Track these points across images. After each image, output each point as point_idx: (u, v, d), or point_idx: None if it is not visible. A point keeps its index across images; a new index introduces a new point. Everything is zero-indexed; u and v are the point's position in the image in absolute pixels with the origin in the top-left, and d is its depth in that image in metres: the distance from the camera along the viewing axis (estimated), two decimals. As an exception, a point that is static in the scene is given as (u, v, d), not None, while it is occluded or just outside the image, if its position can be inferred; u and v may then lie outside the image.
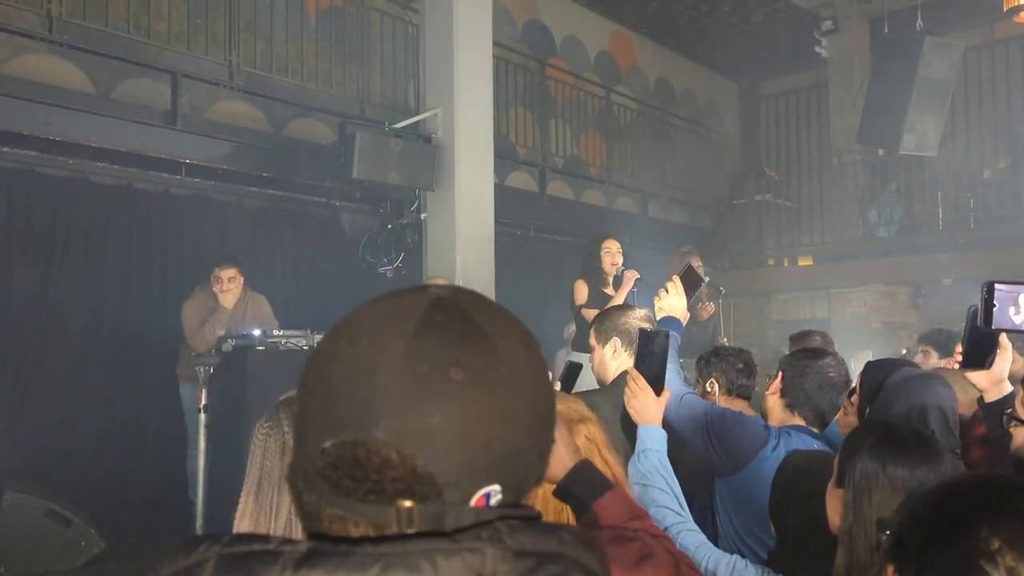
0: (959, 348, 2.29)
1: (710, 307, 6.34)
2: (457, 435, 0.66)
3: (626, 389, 2.14)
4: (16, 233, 5.42)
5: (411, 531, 0.64)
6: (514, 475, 0.70)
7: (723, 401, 2.95)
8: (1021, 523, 0.93)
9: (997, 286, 1.73)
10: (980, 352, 2.16)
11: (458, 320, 0.70)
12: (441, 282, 0.68)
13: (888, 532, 1.08)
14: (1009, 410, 2.10)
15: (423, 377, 0.66)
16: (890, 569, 1.02)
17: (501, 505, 0.69)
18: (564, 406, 1.59)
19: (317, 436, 0.67)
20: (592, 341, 3.03)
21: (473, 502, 0.67)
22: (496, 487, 0.68)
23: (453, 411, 0.66)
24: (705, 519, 2.48)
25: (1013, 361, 2.37)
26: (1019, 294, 1.78)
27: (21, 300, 5.43)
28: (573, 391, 3.27)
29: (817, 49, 10.26)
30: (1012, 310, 1.73)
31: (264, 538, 0.65)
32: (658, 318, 2.69)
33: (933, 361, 4.28)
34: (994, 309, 1.73)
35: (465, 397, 0.66)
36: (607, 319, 3.04)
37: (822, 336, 4.12)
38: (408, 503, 0.65)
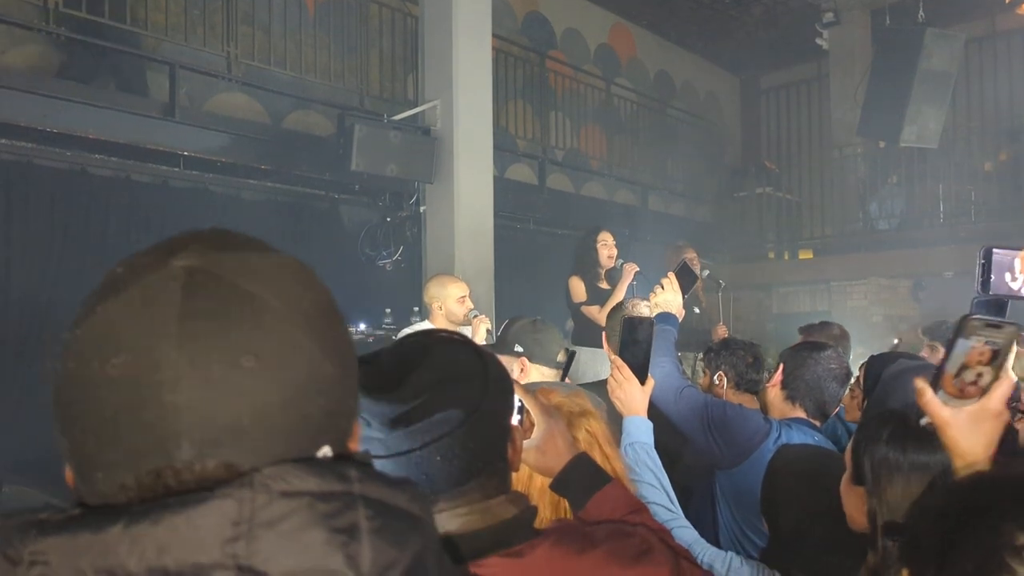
0: None
1: (723, 329, 6.29)
2: (272, 422, 0.60)
3: (610, 379, 2.07)
4: (14, 225, 5.40)
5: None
6: (338, 429, 0.65)
7: (731, 395, 2.92)
8: None
9: (995, 251, 1.70)
10: None
11: (227, 296, 0.61)
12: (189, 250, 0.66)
13: (897, 538, 1.05)
14: (1015, 404, 2.08)
15: (215, 380, 0.58)
16: (905, 573, 0.99)
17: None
18: (566, 399, 1.57)
19: (108, 475, 0.59)
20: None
21: None
22: (326, 449, 0.63)
23: (262, 402, 0.59)
24: (706, 512, 2.48)
25: None
26: (1015, 258, 1.75)
27: (19, 292, 5.42)
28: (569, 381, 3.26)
29: (818, 41, 10.23)
30: (1008, 276, 1.70)
31: (44, 510, 0.58)
32: (653, 314, 2.67)
33: (941, 356, 4.14)
34: (991, 276, 1.70)
35: (266, 382, 0.60)
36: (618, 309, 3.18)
37: (840, 329, 4.00)
38: None
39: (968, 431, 1.24)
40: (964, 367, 1.24)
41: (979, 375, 1.25)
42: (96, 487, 0.60)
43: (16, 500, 4.52)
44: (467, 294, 4.46)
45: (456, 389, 0.99)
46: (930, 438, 1.54)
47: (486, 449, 1.01)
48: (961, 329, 1.23)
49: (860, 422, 1.73)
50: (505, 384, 1.07)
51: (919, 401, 1.25)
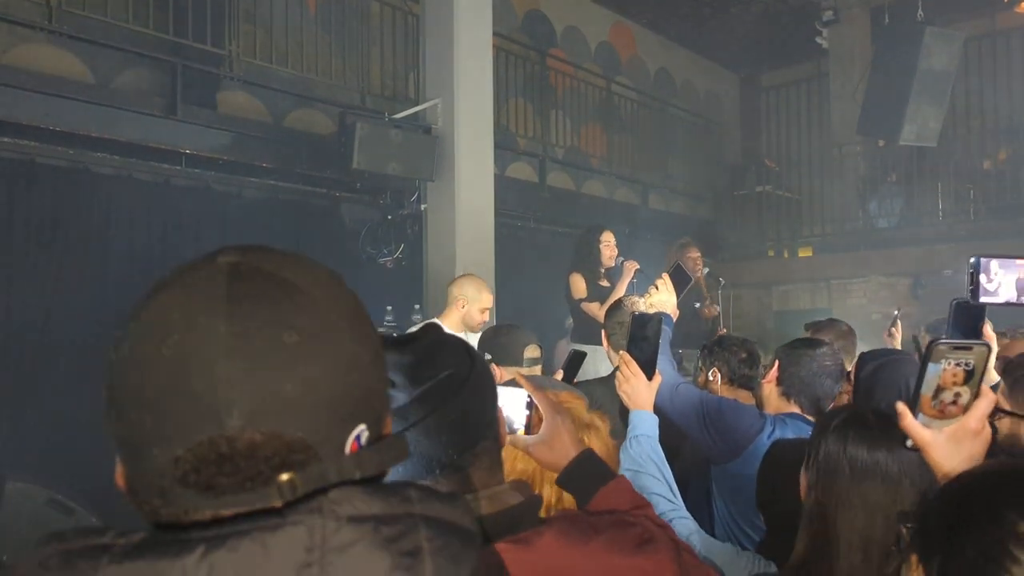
0: None
1: (715, 308, 6.30)
2: (314, 394, 0.65)
3: (618, 374, 2.12)
4: (16, 224, 5.42)
5: (278, 504, 0.63)
6: (372, 410, 0.71)
7: (725, 391, 2.95)
8: None
9: (982, 259, 1.74)
10: None
11: (266, 282, 0.68)
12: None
13: (909, 524, 1.07)
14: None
15: (258, 352, 0.64)
16: (914, 559, 1.01)
17: (369, 441, 0.70)
18: (582, 410, 1.59)
19: (164, 449, 0.63)
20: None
21: (348, 449, 0.68)
22: (362, 426, 0.69)
23: (301, 374, 0.65)
24: (701, 506, 2.50)
25: (1013, 347, 2.38)
26: (991, 262, 1.79)
27: (21, 290, 5.43)
28: (574, 381, 3.28)
29: (818, 40, 10.25)
30: (983, 278, 1.74)
31: (103, 532, 0.63)
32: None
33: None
34: (980, 283, 1.74)
35: (308, 356, 0.66)
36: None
37: (847, 326, 3.99)
38: (287, 475, 0.63)
39: (950, 451, 1.25)
40: (940, 389, 1.26)
41: (957, 395, 1.27)
42: (150, 463, 0.64)
43: (20, 497, 4.54)
44: (490, 307, 4.46)
45: (451, 354, 1.11)
46: (873, 432, 1.56)
47: (485, 413, 1.12)
48: (929, 354, 1.25)
49: (824, 415, 1.75)
50: (483, 360, 1.18)
51: (900, 424, 1.27)
